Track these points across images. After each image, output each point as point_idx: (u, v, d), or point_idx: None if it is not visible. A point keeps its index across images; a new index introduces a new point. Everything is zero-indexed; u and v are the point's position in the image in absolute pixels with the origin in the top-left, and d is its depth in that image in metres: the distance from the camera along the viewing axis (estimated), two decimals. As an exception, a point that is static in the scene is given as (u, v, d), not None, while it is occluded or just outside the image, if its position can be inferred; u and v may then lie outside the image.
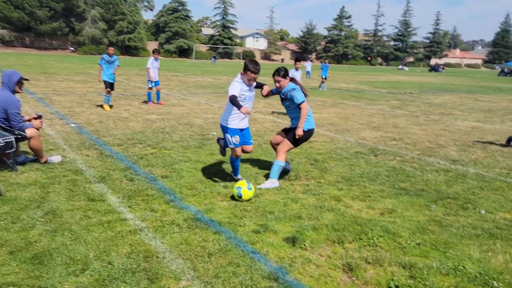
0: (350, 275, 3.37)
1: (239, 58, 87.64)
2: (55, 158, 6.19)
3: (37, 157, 6.01)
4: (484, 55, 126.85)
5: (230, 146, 5.35)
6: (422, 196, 5.35)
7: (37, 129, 6.04)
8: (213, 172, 6.05)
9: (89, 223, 4.11)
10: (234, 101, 4.93)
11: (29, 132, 5.82)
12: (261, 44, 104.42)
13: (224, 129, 5.34)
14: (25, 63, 34.87)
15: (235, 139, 5.24)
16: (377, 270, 3.44)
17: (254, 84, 5.33)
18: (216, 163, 6.57)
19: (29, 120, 6.10)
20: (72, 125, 9.26)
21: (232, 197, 4.96)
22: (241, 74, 5.21)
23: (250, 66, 5.05)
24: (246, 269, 3.35)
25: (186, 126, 9.77)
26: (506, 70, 57.90)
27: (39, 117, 6.24)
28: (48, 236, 3.78)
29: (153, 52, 13.22)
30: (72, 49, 74.60)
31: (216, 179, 5.70)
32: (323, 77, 22.06)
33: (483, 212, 4.84)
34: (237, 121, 5.25)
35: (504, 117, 13.65)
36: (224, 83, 24.09)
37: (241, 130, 5.35)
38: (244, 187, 4.81)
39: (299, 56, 19.08)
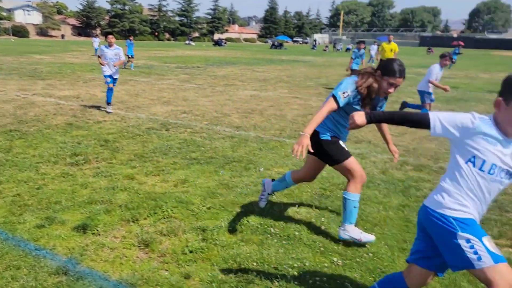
0: (147, 250, 3.38)
1: (8, 34, 75.56)
2: None
3: None
4: (258, 30, 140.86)
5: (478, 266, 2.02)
6: (212, 163, 5.71)
7: None
8: (-20, 168, 5.15)
9: None
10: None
11: None
12: (35, 18, 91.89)
13: (444, 223, 2.13)
14: None
15: (488, 244, 2.05)
16: (172, 240, 3.55)
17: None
18: (-16, 157, 5.61)
19: None
20: None
21: None
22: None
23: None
24: (29, 269, 3.00)
25: None
26: (276, 43, 65.57)
27: None
28: None
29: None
30: None
31: (-15, 176, 4.88)
32: (130, 56, 20.13)
33: (261, 170, 5.48)
34: (470, 201, 2.13)
35: (276, 85, 15.52)
36: (-12, 63, 20.48)
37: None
38: None
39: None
